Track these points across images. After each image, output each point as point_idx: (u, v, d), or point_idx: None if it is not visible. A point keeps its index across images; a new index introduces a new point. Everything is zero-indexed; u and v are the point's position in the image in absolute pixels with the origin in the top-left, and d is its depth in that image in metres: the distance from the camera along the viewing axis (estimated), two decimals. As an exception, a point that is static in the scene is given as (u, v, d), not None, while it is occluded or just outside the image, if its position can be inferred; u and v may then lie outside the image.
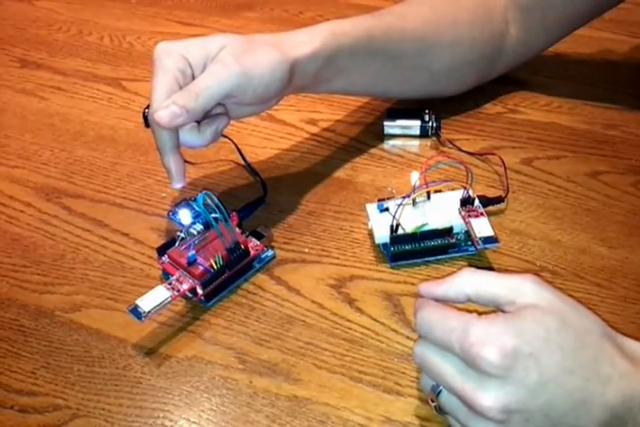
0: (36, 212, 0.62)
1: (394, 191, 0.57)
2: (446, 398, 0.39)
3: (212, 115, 0.52)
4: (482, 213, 0.53)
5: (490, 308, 0.40)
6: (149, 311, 0.47)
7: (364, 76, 0.60)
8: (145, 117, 0.70)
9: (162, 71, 0.50)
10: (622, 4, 0.66)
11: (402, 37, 0.59)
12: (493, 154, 0.62)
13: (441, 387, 0.39)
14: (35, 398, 0.47)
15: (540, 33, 0.66)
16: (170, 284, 0.50)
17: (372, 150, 0.65)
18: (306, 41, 0.53)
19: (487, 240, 0.51)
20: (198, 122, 0.51)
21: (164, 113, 0.48)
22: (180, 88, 0.49)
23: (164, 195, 0.62)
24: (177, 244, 0.53)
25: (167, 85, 0.49)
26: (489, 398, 0.36)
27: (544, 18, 0.64)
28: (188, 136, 0.51)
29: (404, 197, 0.53)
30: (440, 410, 0.41)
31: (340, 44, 0.55)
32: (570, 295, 0.44)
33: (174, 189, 0.53)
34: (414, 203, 0.54)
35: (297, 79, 0.53)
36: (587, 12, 0.65)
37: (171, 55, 0.50)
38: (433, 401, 0.41)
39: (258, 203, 0.59)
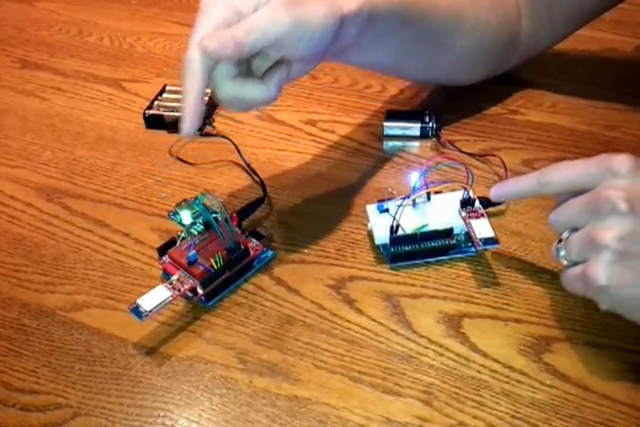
0: (36, 212, 0.62)
1: (394, 192, 0.57)
2: (571, 237, 0.44)
3: (272, 64, 0.49)
4: (482, 215, 0.53)
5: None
6: (150, 311, 0.48)
7: (394, 50, 0.59)
8: (145, 118, 0.71)
9: (206, 19, 0.47)
10: (624, 5, 0.66)
11: (434, 9, 0.59)
12: (494, 155, 0.62)
13: (569, 231, 0.44)
14: (36, 397, 0.47)
15: (547, 26, 0.66)
16: (170, 283, 0.50)
17: (372, 151, 0.66)
18: None
19: (488, 241, 0.51)
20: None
21: (211, 40, 0.44)
22: None
23: (163, 195, 0.62)
24: (177, 244, 0.53)
25: (209, 30, 0.46)
26: (610, 228, 0.40)
27: (550, 11, 0.65)
28: (254, 90, 0.48)
29: (404, 198, 0.53)
30: (559, 253, 0.45)
31: (378, 7, 0.53)
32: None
33: (184, 135, 0.47)
34: (414, 204, 0.54)
35: (341, 38, 0.51)
36: (591, 8, 0.66)
37: (217, 4, 0.47)
38: (559, 242, 0.45)
39: (257, 203, 0.59)
